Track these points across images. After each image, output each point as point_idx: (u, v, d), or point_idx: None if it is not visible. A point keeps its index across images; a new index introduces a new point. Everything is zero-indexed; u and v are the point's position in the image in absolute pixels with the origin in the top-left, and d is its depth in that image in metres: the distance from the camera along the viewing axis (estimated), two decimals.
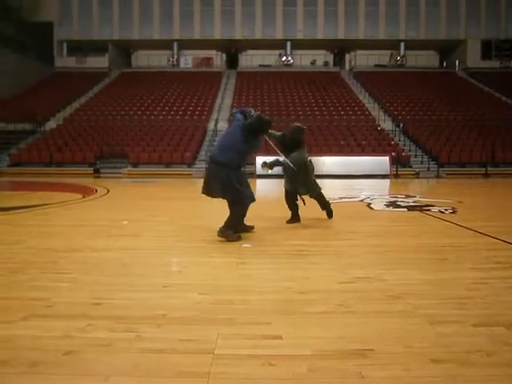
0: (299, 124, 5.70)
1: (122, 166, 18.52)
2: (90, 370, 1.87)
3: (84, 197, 9.41)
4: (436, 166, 17.99)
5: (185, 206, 8.29)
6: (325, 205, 5.99)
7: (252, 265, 3.66)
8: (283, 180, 5.76)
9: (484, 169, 17.57)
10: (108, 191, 10.66)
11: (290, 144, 5.43)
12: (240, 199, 4.58)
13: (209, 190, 4.64)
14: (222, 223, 4.54)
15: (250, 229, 4.97)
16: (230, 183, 4.47)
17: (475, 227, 5.23)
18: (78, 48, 30.73)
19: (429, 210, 6.98)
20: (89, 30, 30.29)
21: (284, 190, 5.75)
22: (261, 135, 4.82)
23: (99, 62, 30.96)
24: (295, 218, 5.69)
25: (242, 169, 4.83)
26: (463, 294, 2.87)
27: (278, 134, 5.63)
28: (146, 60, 32.49)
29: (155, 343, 2.12)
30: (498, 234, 4.74)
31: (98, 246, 4.29)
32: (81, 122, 22.27)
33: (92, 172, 18.20)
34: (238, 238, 4.52)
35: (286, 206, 5.74)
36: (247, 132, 4.49)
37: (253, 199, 4.71)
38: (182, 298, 2.80)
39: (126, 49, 33.04)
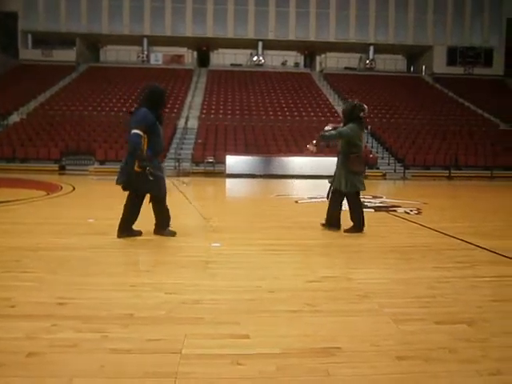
0: (356, 101, 5.21)
1: (88, 163, 18.13)
2: (54, 372, 1.82)
3: (49, 194, 9.16)
4: (402, 168, 18.45)
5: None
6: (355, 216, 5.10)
7: (221, 264, 3.65)
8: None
9: (448, 171, 18.12)
10: (74, 188, 10.41)
11: (345, 122, 5.05)
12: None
13: None
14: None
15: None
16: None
17: (439, 228, 5.39)
18: (44, 40, 29.84)
19: (395, 210, 7.15)
20: (55, 22, 29.43)
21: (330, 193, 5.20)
22: None
23: (66, 55, 30.17)
24: (330, 224, 5.14)
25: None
26: (427, 292, 2.95)
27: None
28: (115, 55, 31.88)
29: (122, 343, 2.09)
30: (460, 235, 4.90)
31: (64, 245, 4.19)
32: (46, 117, 21.65)
33: (57, 169, 17.74)
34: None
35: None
36: None
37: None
38: (149, 297, 2.76)
39: (94, 43, 32.30)
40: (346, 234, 4.99)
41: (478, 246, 4.42)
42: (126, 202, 4.49)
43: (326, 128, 5.21)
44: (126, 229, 4.51)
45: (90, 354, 1.99)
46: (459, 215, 7.09)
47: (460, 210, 7.96)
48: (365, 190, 5.10)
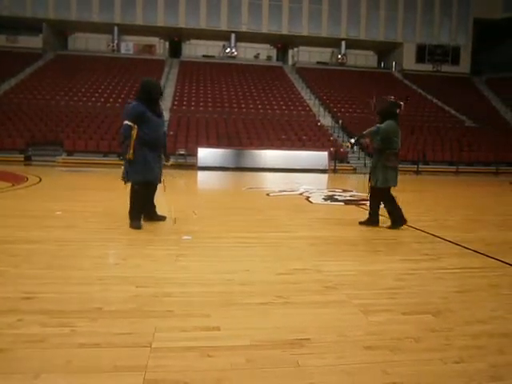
0: (392, 97, 5.24)
1: (55, 153, 17.65)
2: (20, 368, 1.77)
3: (13, 185, 8.88)
4: None
5: (123, 197, 8.05)
6: (392, 211, 5.10)
7: (192, 257, 3.63)
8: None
9: (415, 166, 18.54)
10: (40, 180, 10.13)
11: (380, 120, 5.11)
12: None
13: None
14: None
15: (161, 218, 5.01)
16: None
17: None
18: (9, 25, 28.70)
19: (364, 204, 7.27)
20: (21, 6, 28.33)
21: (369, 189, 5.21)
22: None
23: (32, 42, 29.15)
24: (372, 221, 5.15)
25: None
26: (394, 284, 3.03)
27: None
28: (84, 43, 31.06)
29: (90, 338, 2.05)
30: (427, 228, 5.04)
31: (30, 238, 4.08)
32: (11, 106, 20.94)
33: (23, 159, 17.20)
34: (137, 227, 4.59)
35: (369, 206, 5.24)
36: None
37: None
38: (118, 291, 2.72)
39: (62, 30, 31.29)
40: (387, 229, 4.99)
41: (443, 239, 4.56)
42: (130, 192, 4.73)
43: (349, 142, 5.38)
44: (136, 217, 4.66)
45: (57, 349, 1.95)
46: (425, 209, 7.27)
47: (426, 204, 8.16)
48: (396, 185, 5.15)
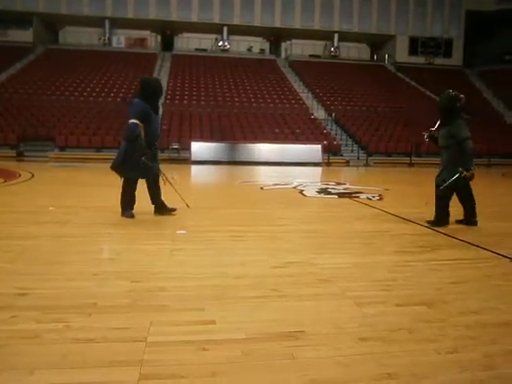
0: (451, 90, 4.82)
1: (48, 149, 17.51)
2: (14, 364, 1.77)
3: (6, 181, 8.81)
4: (365, 155, 18.78)
5: (116, 191, 8.01)
6: (439, 213, 4.84)
7: (186, 251, 3.63)
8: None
9: (409, 158, 18.60)
10: (33, 175, 10.05)
11: (442, 117, 4.79)
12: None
13: None
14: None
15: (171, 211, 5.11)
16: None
17: (400, 213, 5.55)
18: None
19: (358, 196, 7.29)
20: None
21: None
22: None
23: (23, 35, 28.74)
24: (440, 221, 4.82)
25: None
26: (388, 276, 3.04)
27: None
28: (75, 37, 30.66)
29: (85, 333, 2.05)
30: (420, 220, 5.07)
31: (24, 234, 4.05)
32: (2, 101, 20.70)
33: (15, 155, 17.04)
34: (129, 216, 4.78)
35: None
36: None
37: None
38: (113, 286, 2.72)
39: (52, 23, 30.89)
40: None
41: (436, 231, 4.58)
42: (122, 186, 4.84)
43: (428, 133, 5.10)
44: (127, 207, 4.83)
45: (51, 344, 1.94)
46: (419, 201, 7.30)
47: (420, 196, 8.19)
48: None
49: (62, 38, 31.57)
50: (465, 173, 4.61)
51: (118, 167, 4.76)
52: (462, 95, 4.77)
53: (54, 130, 18.33)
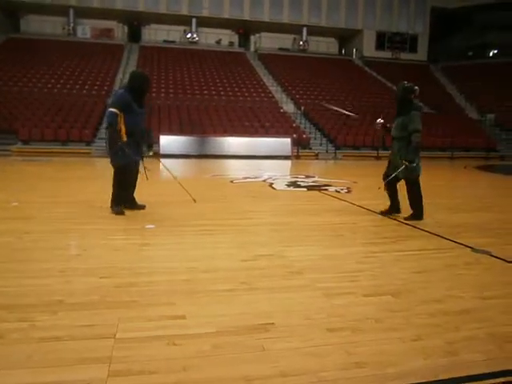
0: (406, 82, 4.91)
1: (10, 142, 16.92)
2: None
3: None
4: (334, 149, 19.02)
5: (83, 186, 7.84)
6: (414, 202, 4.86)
7: (155, 246, 3.60)
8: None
9: (376, 152, 18.95)
10: None
11: (397, 108, 4.93)
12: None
13: None
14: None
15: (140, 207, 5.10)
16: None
17: (367, 205, 5.66)
18: None
19: (326, 189, 7.39)
20: None
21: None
22: None
23: None
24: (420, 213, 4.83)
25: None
26: (356, 267, 3.11)
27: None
28: (38, 26, 29.61)
29: (51, 331, 2.01)
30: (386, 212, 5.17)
31: None
32: None
33: None
34: (119, 212, 4.76)
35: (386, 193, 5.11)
36: None
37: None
38: (80, 282, 2.67)
39: (13, 11, 29.67)
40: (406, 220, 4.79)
41: (401, 222, 4.71)
42: (113, 178, 4.87)
43: (379, 121, 5.34)
44: (117, 203, 4.84)
45: (16, 344, 1.90)
46: (385, 194, 7.46)
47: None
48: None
49: (23, 26, 30.39)
50: (407, 164, 4.76)
51: (108, 154, 4.90)
52: (416, 87, 4.87)
53: (16, 122, 17.72)
